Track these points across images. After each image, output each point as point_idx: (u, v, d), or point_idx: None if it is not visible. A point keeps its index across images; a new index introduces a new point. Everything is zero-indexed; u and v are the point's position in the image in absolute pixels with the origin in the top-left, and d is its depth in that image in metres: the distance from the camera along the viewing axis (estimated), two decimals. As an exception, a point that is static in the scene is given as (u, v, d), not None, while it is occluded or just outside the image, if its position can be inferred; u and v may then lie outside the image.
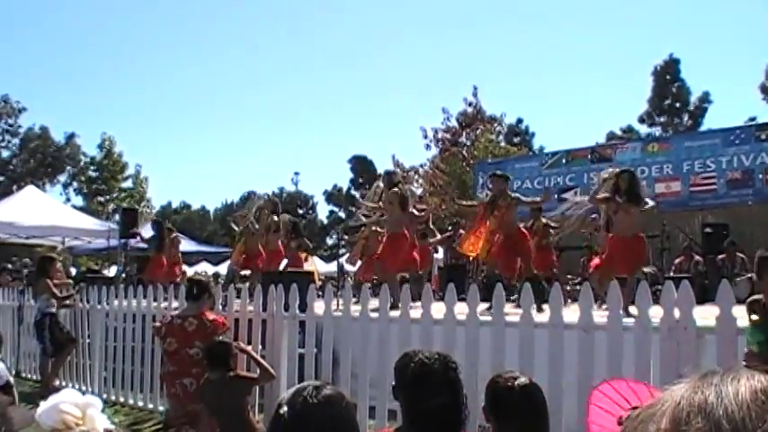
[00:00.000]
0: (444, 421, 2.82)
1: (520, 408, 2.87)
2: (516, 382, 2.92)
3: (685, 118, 44.76)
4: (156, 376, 8.27)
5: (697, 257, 13.88)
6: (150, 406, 8.39)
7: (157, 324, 6.35)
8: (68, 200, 43.12)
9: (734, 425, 0.61)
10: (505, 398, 2.91)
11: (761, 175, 16.51)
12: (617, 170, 9.73)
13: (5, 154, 47.03)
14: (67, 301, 9.89)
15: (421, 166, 34.01)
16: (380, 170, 52.51)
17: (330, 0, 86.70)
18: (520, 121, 48.26)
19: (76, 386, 9.27)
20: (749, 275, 11.85)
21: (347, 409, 2.00)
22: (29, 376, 11.03)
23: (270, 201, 13.45)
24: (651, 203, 8.95)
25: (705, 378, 0.67)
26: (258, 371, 5.84)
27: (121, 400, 8.94)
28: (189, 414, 5.73)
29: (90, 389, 9.28)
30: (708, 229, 14.35)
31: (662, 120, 45.28)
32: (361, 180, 59.92)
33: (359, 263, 13.95)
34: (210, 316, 6.14)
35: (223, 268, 32.79)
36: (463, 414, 2.87)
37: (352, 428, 2.00)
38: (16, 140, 47.31)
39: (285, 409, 1.86)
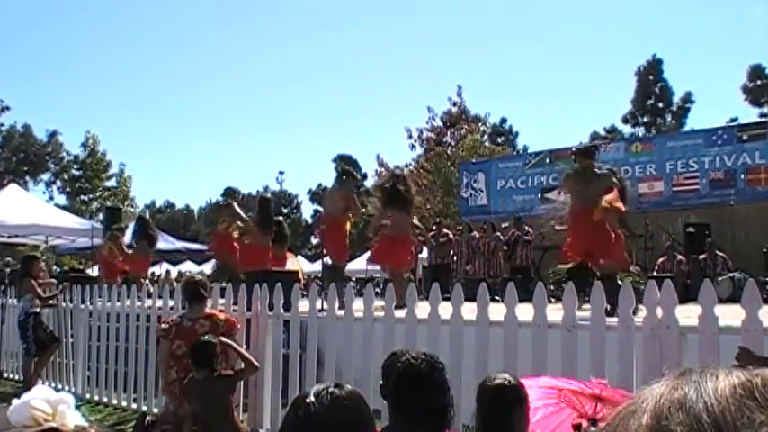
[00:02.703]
0: (430, 421, 2.82)
1: (489, 407, 2.85)
2: (492, 383, 2.90)
3: (668, 118, 45.04)
4: (139, 375, 8.25)
5: (680, 257, 13.96)
6: (134, 406, 8.36)
7: (164, 325, 6.15)
8: (51, 198, 42.90)
9: (714, 418, 0.62)
10: (481, 399, 2.90)
11: (743, 176, 16.61)
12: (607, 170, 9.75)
13: (-13, 152, 46.73)
14: (51, 301, 9.84)
15: (406, 165, 34.02)
16: (365, 169, 52.64)
17: (314, 1, 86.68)
18: (504, 120, 48.45)
19: (59, 386, 9.23)
20: (731, 275, 11.95)
21: (368, 409, 2.01)
22: (11, 376, 10.97)
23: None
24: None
25: (684, 375, 0.69)
26: (242, 365, 5.81)
27: (105, 399, 8.92)
28: (179, 417, 5.68)
29: (73, 388, 9.24)
30: (690, 229, 14.45)
31: (645, 120, 45.54)
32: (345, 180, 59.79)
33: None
34: (222, 315, 6.02)
35: (207, 267, 32.69)
36: (449, 414, 2.88)
37: (370, 427, 2.01)
38: (-2, 139, 46.99)
39: (312, 399, 1.86)
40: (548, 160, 19.90)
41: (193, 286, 6.09)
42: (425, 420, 2.81)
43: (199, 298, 5.99)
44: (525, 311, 5.11)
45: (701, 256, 13.42)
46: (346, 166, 11.27)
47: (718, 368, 0.69)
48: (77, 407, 1.45)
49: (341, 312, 6.32)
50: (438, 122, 34.17)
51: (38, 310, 9.47)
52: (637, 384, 4.14)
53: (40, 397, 1.38)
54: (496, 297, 8.56)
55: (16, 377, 10.61)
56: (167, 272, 25.79)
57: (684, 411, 0.64)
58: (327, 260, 10.81)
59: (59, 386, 9.18)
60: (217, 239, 13.22)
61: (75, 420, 1.39)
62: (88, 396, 9.21)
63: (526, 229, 15.13)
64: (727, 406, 0.63)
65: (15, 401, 1.38)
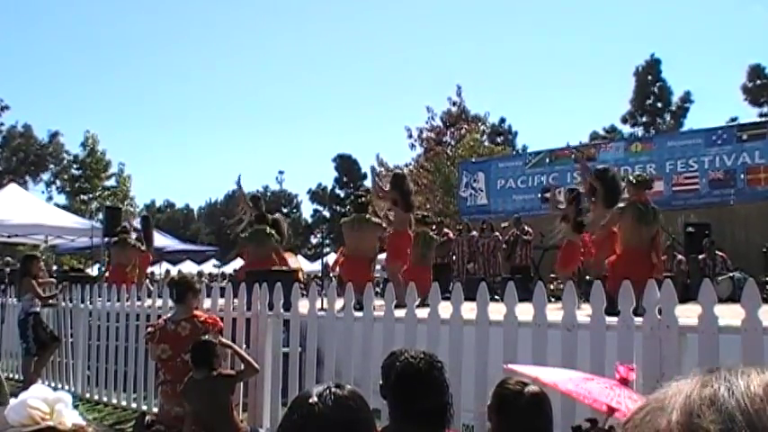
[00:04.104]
0: (430, 420, 2.82)
1: (528, 414, 2.85)
2: (526, 389, 2.89)
3: (667, 118, 45.03)
4: (139, 375, 8.25)
5: (679, 257, 13.97)
6: (133, 405, 8.36)
7: (150, 329, 6.20)
8: (51, 198, 42.88)
9: (747, 416, 0.62)
10: (514, 403, 2.88)
11: (742, 175, 16.64)
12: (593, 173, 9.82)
13: (-13, 152, 46.74)
14: (51, 301, 9.83)
15: (406, 165, 34.05)
16: (365, 169, 52.64)
17: (314, 2, 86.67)
18: (503, 120, 48.41)
19: (59, 385, 9.23)
20: (731, 274, 11.95)
21: (369, 410, 2.01)
22: (11, 376, 10.95)
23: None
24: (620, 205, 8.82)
25: (713, 373, 0.68)
26: (242, 366, 5.83)
27: (105, 399, 8.91)
28: (171, 417, 5.69)
29: (73, 388, 9.24)
30: (690, 229, 14.46)
31: (644, 120, 45.54)
32: (345, 179, 59.91)
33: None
34: (202, 317, 6.00)
35: (207, 267, 32.74)
36: (449, 413, 2.88)
37: (372, 427, 2.01)
38: (-2, 138, 47.00)
39: (315, 399, 1.86)
40: (547, 160, 19.93)
41: (175, 287, 6.09)
42: (425, 420, 2.80)
43: (181, 299, 5.97)
44: (525, 311, 5.10)
45: (701, 256, 13.42)
46: (356, 199, 10.59)
47: (749, 367, 0.68)
48: (75, 406, 1.45)
49: (341, 312, 6.32)
50: (438, 122, 34.20)
51: (38, 309, 9.46)
52: (637, 384, 4.14)
53: (38, 396, 1.38)
54: (496, 296, 8.57)
55: (16, 377, 10.60)
56: (167, 272, 25.77)
57: (716, 409, 0.64)
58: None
59: (59, 386, 9.18)
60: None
61: (73, 419, 1.40)
62: (88, 395, 9.21)
63: (526, 228, 15.14)
64: (761, 404, 0.63)
65: (13, 401, 1.39)
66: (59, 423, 1.37)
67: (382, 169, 33.18)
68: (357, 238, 10.05)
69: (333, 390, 1.90)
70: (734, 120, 31.81)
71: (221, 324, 6.22)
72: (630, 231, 8.25)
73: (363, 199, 10.46)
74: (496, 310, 5.31)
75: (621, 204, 8.53)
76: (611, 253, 8.69)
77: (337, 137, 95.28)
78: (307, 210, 66.17)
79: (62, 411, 1.39)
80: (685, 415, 0.65)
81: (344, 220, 10.58)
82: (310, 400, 1.86)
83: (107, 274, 14.00)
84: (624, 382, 2.82)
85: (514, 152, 36.64)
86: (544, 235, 14.20)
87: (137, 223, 15.48)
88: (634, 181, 8.78)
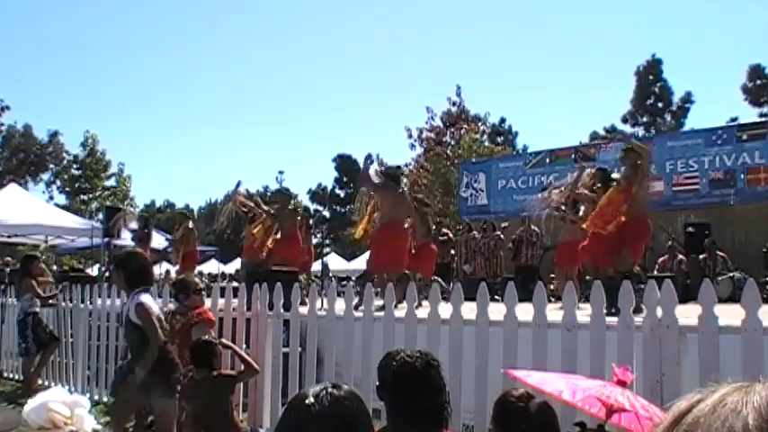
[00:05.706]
0: (427, 420, 2.81)
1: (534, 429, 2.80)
2: (531, 405, 2.83)
3: (668, 118, 45.03)
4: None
5: (680, 257, 13.96)
6: (134, 405, 8.35)
7: (165, 309, 6.36)
8: (51, 198, 42.88)
9: None
10: (518, 418, 2.83)
11: (742, 176, 16.62)
12: (593, 170, 9.81)
13: (-13, 152, 46.76)
14: (51, 301, 9.83)
15: (406, 165, 34.05)
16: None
17: (314, 1, 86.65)
18: (503, 120, 48.40)
19: (59, 386, 9.21)
20: (731, 275, 11.95)
21: (366, 409, 2.01)
22: (10, 376, 10.95)
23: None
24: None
25: None
26: (242, 366, 5.84)
27: (105, 399, 8.89)
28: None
29: (73, 388, 9.23)
30: (690, 229, 14.45)
31: (645, 120, 45.54)
32: (345, 179, 59.88)
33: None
34: (197, 310, 6.06)
35: (207, 267, 32.67)
36: (446, 412, 2.87)
37: (369, 428, 2.01)
38: (-2, 138, 47.01)
39: (311, 400, 1.85)
40: (548, 160, 19.94)
41: (173, 287, 6.22)
42: (422, 420, 2.80)
43: (176, 296, 6.14)
44: (525, 311, 5.09)
45: (701, 256, 13.42)
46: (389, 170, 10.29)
47: None
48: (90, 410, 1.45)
49: (341, 312, 6.32)
50: (438, 122, 34.20)
51: (37, 309, 9.45)
52: (637, 384, 4.13)
53: (58, 399, 1.38)
54: (497, 297, 8.56)
55: (16, 377, 10.59)
56: (167, 272, 25.74)
57: None
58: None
59: (59, 386, 9.16)
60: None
61: (92, 424, 1.40)
62: (88, 395, 9.19)
63: (533, 228, 15.09)
64: None
65: (31, 401, 1.39)
66: (80, 429, 1.37)
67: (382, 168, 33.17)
68: (393, 203, 9.91)
69: (329, 390, 1.89)
70: (734, 120, 31.83)
71: (209, 314, 6.22)
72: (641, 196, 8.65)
73: (400, 170, 10.34)
74: (496, 311, 5.30)
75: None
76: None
77: (337, 137, 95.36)
78: (307, 210, 66.16)
79: (83, 416, 1.39)
80: (762, 417, 0.66)
81: (379, 183, 10.26)
82: (307, 401, 1.85)
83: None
84: (621, 384, 2.81)
85: (515, 152, 36.62)
86: (545, 235, 14.18)
87: (134, 225, 15.49)
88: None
